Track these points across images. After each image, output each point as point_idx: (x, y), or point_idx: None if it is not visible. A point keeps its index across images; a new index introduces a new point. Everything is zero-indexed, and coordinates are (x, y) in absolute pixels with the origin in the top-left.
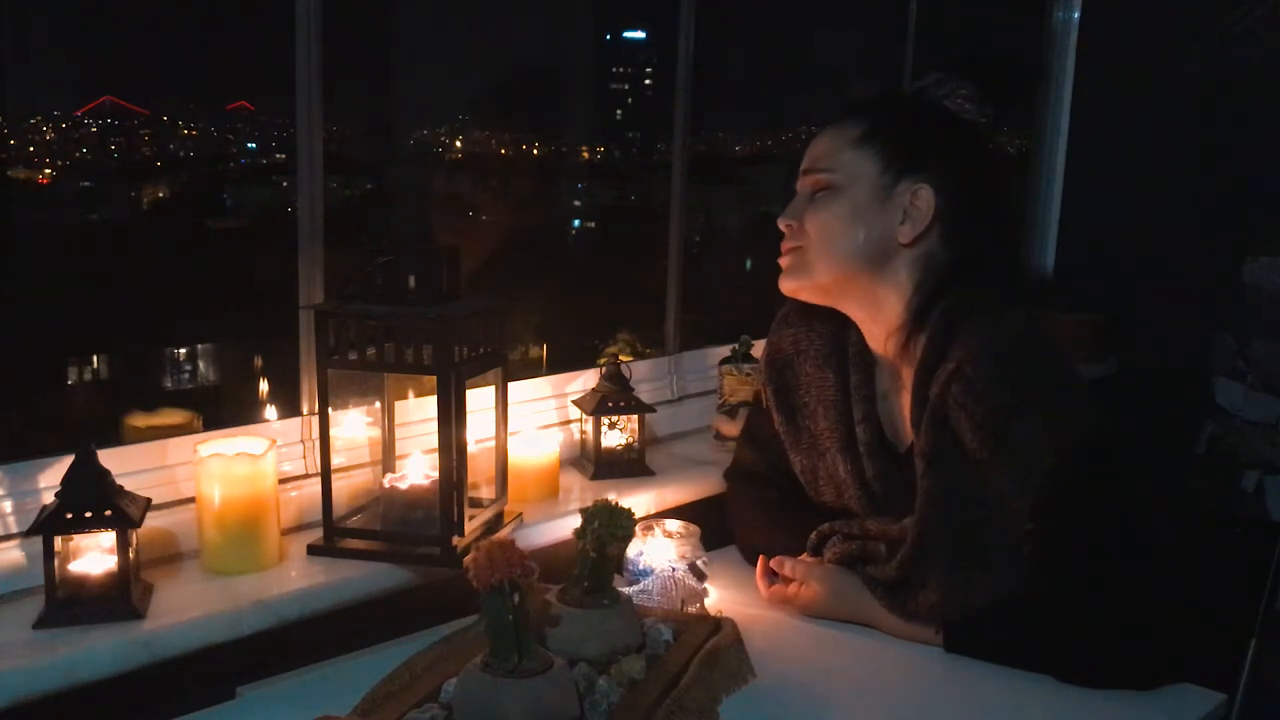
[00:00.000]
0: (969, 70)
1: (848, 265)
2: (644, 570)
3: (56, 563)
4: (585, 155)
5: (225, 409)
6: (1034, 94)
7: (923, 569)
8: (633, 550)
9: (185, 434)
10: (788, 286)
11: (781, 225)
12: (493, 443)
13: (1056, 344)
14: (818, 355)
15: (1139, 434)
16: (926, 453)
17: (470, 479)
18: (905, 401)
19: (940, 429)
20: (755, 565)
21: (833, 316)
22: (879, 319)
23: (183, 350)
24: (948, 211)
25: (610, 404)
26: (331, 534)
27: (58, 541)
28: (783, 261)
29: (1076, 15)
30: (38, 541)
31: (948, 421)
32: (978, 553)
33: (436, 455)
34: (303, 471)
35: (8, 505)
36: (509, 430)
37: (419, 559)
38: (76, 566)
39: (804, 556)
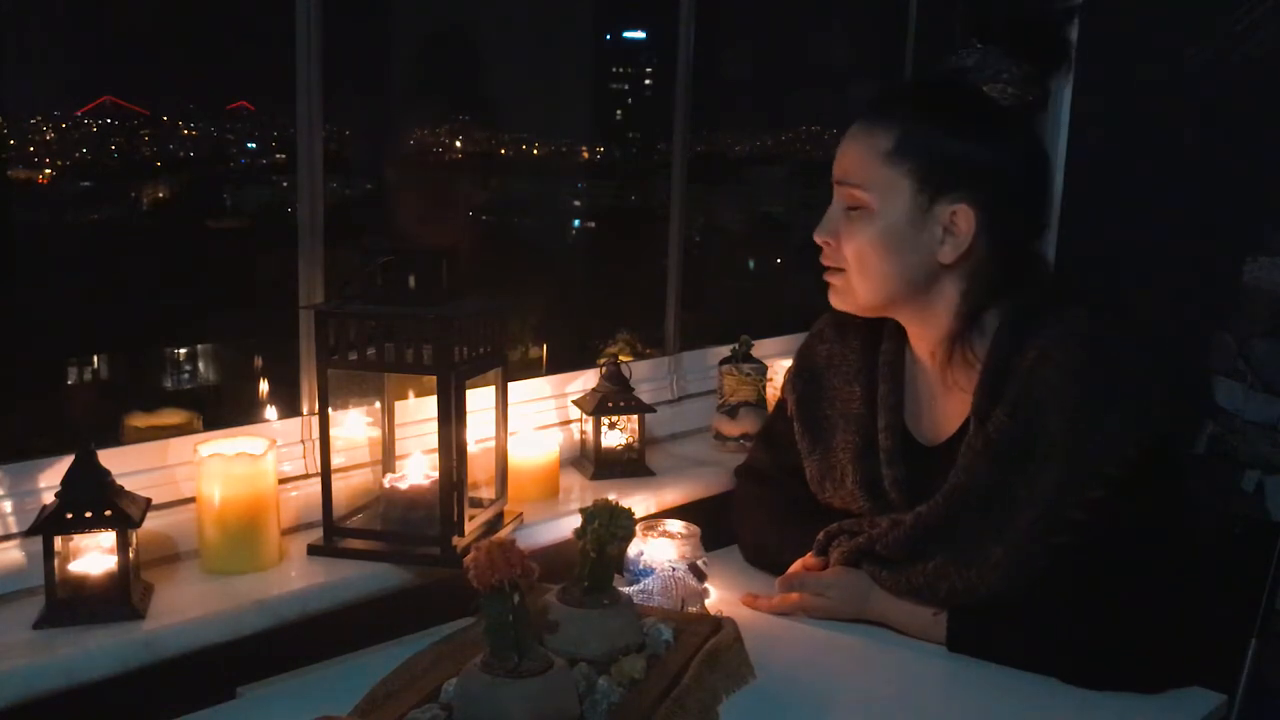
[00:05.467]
0: (1013, 38)
1: (890, 290)
2: (644, 570)
3: (56, 563)
4: (585, 155)
5: (225, 409)
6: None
7: (925, 547)
8: (633, 550)
9: (185, 434)
10: (838, 307)
11: (818, 241)
12: (493, 443)
13: (1139, 338)
14: (848, 370)
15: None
16: (979, 445)
17: (470, 479)
18: (949, 402)
19: (1011, 418)
20: (755, 563)
21: (867, 332)
22: (929, 325)
23: (183, 350)
24: (990, 225)
25: (610, 404)
26: (331, 534)
27: (58, 541)
28: (828, 279)
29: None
30: (38, 541)
31: (1024, 408)
32: (977, 546)
33: (436, 455)
34: (303, 471)
35: (8, 505)
36: (509, 430)
37: (419, 559)
38: (76, 566)
39: (808, 557)
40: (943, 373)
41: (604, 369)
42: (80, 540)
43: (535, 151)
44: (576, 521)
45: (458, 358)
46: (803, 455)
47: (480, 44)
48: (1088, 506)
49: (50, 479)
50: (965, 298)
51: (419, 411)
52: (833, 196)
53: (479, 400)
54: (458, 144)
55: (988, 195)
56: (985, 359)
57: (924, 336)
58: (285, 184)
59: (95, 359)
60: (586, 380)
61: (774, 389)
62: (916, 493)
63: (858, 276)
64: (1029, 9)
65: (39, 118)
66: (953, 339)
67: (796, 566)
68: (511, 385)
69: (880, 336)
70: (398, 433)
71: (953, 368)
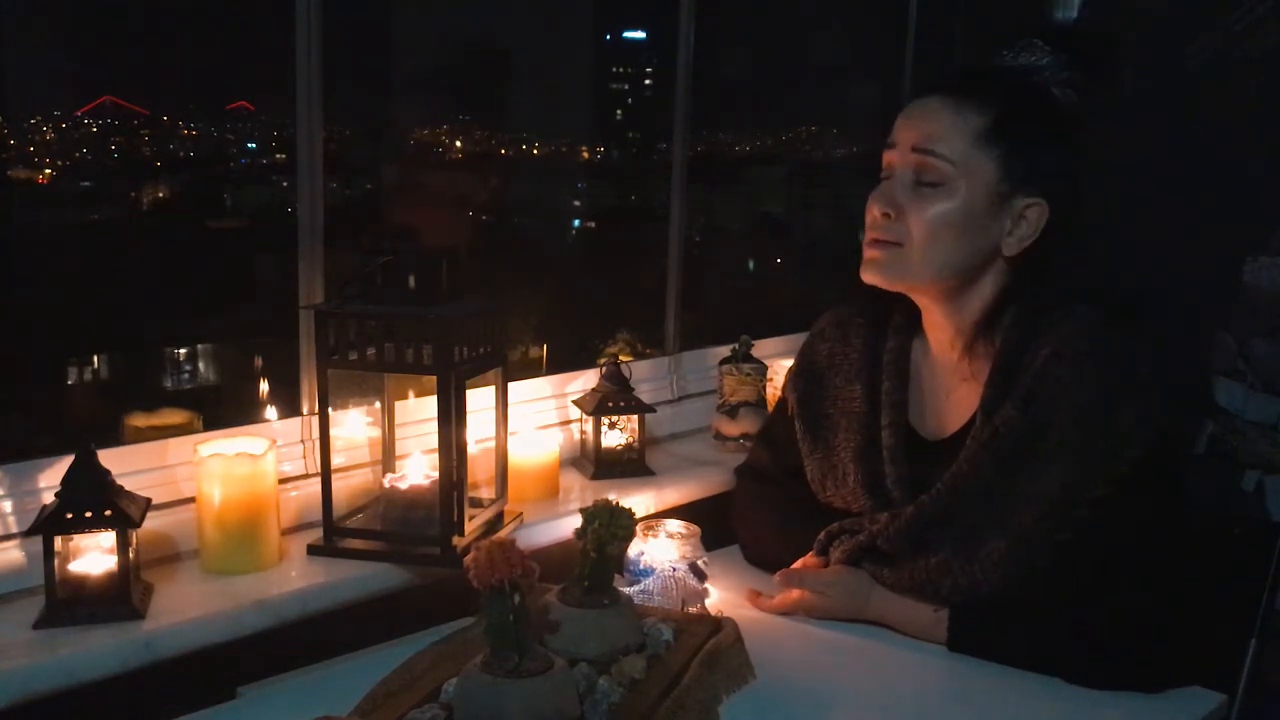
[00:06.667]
0: (1074, 46)
1: (948, 270)
2: (644, 570)
3: (56, 563)
4: (585, 155)
5: (225, 409)
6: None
7: (926, 539)
8: (633, 550)
9: (185, 434)
10: (876, 281)
11: (878, 212)
12: (493, 443)
13: (1146, 338)
14: (850, 369)
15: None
16: (985, 438)
17: (470, 479)
18: (956, 396)
19: (1021, 414)
20: (755, 563)
21: (869, 330)
22: (957, 313)
23: (183, 350)
24: (1051, 226)
25: (610, 404)
26: (331, 534)
27: (58, 541)
28: (874, 252)
29: (1075, 16)
30: (38, 541)
31: (1035, 405)
32: (978, 541)
33: (436, 455)
34: (303, 471)
35: (8, 505)
36: (509, 430)
37: (419, 559)
38: (76, 566)
39: (809, 556)
40: (960, 363)
41: (604, 369)
42: (80, 540)
43: (535, 151)
44: (576, 521)
45: (458, 358)
46: (804, 455)
47: (481, 44)
48: (1092, 504)
49: (50, 479)
50: (1003, 290)
51: (419, 411)
52: (892, 166)
53: (479, 400)
54: (458, 144)
55: (1059, 195)
56: (996, 353)
57: (947, 325)
58: (285, 184)
59: (95, 359)
60: (586, 380)
61: (774, 389)
62: (919, 490)
63: (923, 250)
64: (1089, 21)
65: (39, 118)
66: (977, 329)
67: (797, 566)
68: (511, 385)
69: (882, 334)
70: (398, 433)
71: (972, 358)
